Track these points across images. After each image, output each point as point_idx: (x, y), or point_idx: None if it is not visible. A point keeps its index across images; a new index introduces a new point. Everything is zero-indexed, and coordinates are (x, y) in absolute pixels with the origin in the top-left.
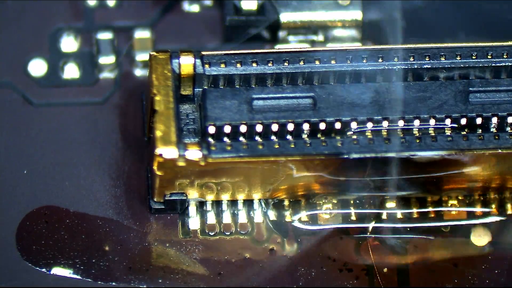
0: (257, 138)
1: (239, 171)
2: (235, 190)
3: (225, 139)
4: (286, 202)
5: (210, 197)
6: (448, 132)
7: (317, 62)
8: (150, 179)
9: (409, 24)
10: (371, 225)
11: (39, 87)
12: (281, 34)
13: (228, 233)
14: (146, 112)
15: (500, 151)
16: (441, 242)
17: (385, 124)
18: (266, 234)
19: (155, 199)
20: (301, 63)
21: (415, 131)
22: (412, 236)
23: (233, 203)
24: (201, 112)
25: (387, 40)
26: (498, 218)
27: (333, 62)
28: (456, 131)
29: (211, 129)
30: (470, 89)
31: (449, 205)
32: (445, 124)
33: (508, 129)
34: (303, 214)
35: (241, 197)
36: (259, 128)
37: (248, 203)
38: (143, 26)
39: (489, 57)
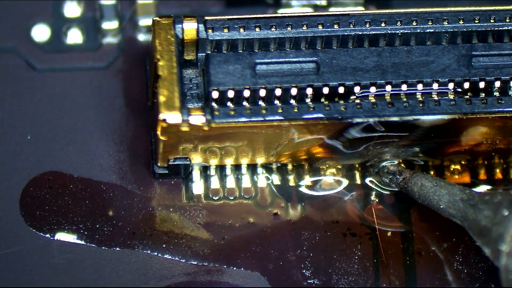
0: (261, 102)
1: (242, 136)
2: (238, 154)
3: (229, 103)
4: (290, 167)
5: (213, 162)
6: (451, 96)
7: (320, 27)
8: (153, 144)
9: None
10: (374, 192)
11: (42, 52)
12: None
13: (232, 198)
14: (150, 77)
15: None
16: None
17: (388, 88)
18: (270, 198)
19: (158, 164)
20: (304, 27)
21: (418, 95)
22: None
23: (236, 167)
24: (205, 77)
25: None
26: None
27: (336, 26)
28: (459, 95)
29: (215, 94)
30: (473, 53)
31: (452, 169)
32: (448, 88)
33: (511, 92)
34: (307, 179)
35: (244, 161)
36: (262, 92)
37: (252, 167)
38: None
39: (491, 21)
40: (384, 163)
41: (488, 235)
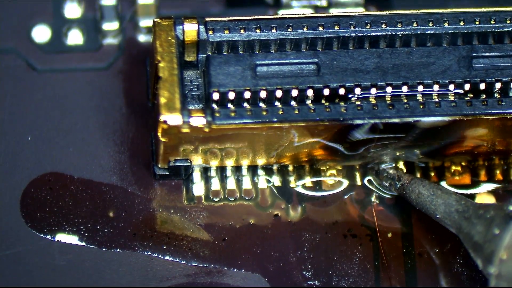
0: (261, 104)
1: (243, 137)
2: (239, 155)
3: (229, 105)
4: (291, 168)
5: (214, 163)
6: (451, 98)
7: (320, 28)
8: (154, 145)
9: None
10: (374, 194)
11: (43, 53)
12: None
13: (232, 199)
14: (150, 78)
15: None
16: None
17: (388, 89)
18: (270, 199)
19: (159, 165)
20: (305, 29)
21: (419, 97)
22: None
23: (237, 169)
24: (205, 78)
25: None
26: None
27: (336, 27)
28: (459, 97)
29: (215, 95)
30: (474, 54)
31: (452, 170)
32: (448, 90)
33: None
34: (308, 180)
35: (245, 162)
36: (263, 94)
37: (252, 169)
38: None
39: (492, 22)
40: (383, 167)
41: (480, 251)
